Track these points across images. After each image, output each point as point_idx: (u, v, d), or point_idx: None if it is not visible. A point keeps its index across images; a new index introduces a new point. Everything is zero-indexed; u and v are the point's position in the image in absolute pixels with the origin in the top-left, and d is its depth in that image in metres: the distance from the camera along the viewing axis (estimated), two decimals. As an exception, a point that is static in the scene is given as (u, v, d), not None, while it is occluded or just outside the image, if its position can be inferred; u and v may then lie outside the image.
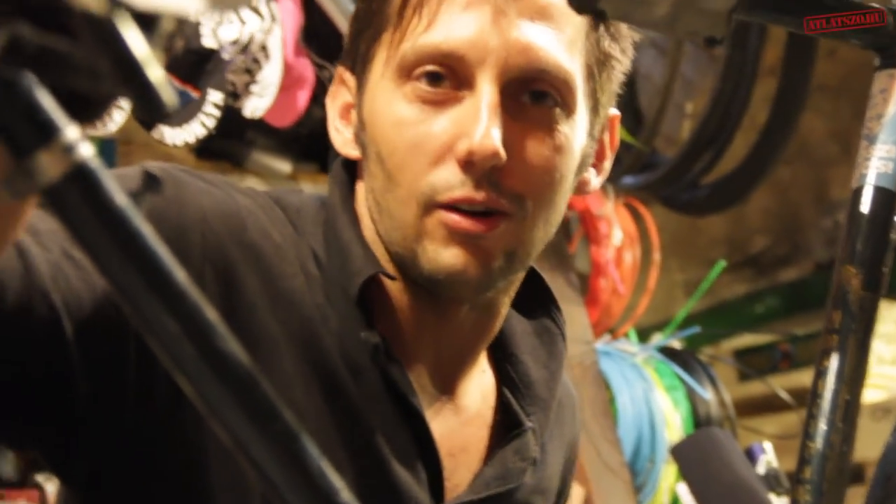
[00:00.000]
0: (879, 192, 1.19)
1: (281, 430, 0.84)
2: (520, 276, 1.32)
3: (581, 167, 1.28)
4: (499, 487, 1.31)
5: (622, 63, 1.31)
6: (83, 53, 0.66)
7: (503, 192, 1.19)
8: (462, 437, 1.33)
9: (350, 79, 1.31)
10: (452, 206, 1.19)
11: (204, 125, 2.59)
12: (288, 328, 1.20)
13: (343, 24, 2.66)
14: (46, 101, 0.74)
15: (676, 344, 3.76)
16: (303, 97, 2.81)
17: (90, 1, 0.61)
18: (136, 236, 0.78)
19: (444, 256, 1.20)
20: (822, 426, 1.13)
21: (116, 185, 0.77)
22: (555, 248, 3.37)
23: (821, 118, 4.88)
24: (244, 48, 2.62)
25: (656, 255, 3.59)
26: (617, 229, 3.50)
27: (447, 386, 1.32)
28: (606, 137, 1.35)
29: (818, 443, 1.12)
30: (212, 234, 1.18)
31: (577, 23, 1.23)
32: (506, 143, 1.18)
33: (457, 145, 1.18)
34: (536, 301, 1.42)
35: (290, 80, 2.73)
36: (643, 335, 3.87)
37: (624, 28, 1.29)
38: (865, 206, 1.19)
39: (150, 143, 2.74)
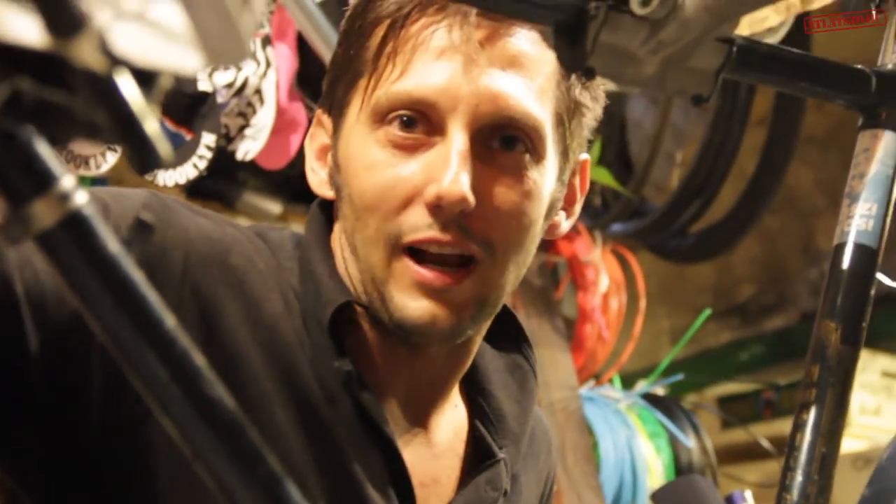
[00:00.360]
0: (859, 248, 1.22)
1: (265, 475, 0.86)
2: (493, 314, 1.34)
3: (550, 211, 1.31)
4: None
5: (593, 110, 1.34)
6: (82, 107, 0.68)
7: (472, 236, 1.22)
8: (433, 469, 1.35)
9: (327, 121, 1.34)
10: (419, 250, 1.22)
11: (196, 167, 2.61)
12: (268, 351, 1.23)
13: (337, 70, 2.69)
14: (44, 150, 0.76)
15: (660, 391, 3.77)
16: (295, 141, 2.82)
17: (91, 59, 0.62)
18: (127, 283, 0.80)
19: (412, 307, 1.23)
20: (799, 478, 1.15)
21: (109, 233, 0.79)
22: (542, 293, 3.39)
23: (809, 169, 4.92)
24: (238, 92, 2.64)
25: (642, 303, 3.61)
26: (604, 276, 3.51)
27: (419, 418, 1.34)
28: (577, 181, 1.38)
29: (794, 494, 1.14)
30: (196, 254, 1.21)
31: (548, 72, 1.26)
32: (475, 188, 1.21)
33: (426, 190, 1.21)
34: (509, 338, 1.45)
35: (282, 124, 2.75)
36: (628, 381, 3.88)
37: None
38: (846, 262, 1.22)
39: (142, 183, 2.76)
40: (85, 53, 0.63)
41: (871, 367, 4.49)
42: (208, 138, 2.61)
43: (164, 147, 0.70)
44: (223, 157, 2.74)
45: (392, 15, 1.26)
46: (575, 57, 1.05)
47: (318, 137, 1.36)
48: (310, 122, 2.82)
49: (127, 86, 0.66)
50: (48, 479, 1.17)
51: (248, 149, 2.70)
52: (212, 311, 1.20)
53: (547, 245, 3.50)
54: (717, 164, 3.91)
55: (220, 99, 2.62)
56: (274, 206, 3.74)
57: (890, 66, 1.26)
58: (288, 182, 3.58)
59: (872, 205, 1.22)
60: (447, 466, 1.36)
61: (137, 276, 0.81)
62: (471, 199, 1.20)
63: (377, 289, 1.25)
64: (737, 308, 5.42)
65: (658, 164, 3.98)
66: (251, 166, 2.89)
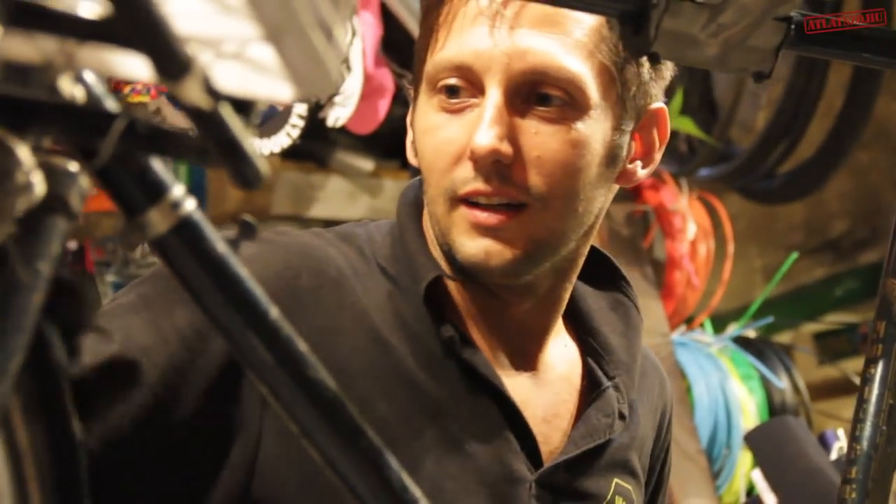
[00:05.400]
0: (922, 210, 1.26)
1: (366, 447, 0.95)
2: (575, 261, 1.43)
3: (613, 160, 1.38)
4: (587, 444, 1.41)
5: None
6: (191, 135, 0.77)
7: (513, 183, 1.31)
8: (553, 405, 1.44)
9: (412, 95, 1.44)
10: (471, 201, 1.32)
11: (289, 135, 2.70)
12: (357, 351, 1.31)
13: (420, 35, 2.75)
14: (156, 163, 0.85)
15: (751, 333, 3.80)
16: (383, 105, 2.90)
17: (196, 97, 0.71)
18: (235, 279, 0.89)
19: (469, 247, 1.33)
20: (868, 429, 1.20)
21: (216, 234, 0.88)
22: (630, 243, 3.45)
23: (899, 101, 4.87)
24: (327, 60, 2.72)
25: (730, 247, 3.63)
26: (691, 223, 3.53)
27: (527, 363, 1.44)
28: (655, 132, 1.44)
29: (864, 444, 1.20)
30: None
31: (587, 26, 1.33)
32: (513, 139, 1.30)
33: (468, 147, 1.31)
34: (607, 279, 1.54)
35: (370, 90, 2.82)
36: (722, 321, 3.91)
37: None
38: (910, 221, 1.27)
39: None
40: (191, 93, 0.71)
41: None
42: (300, 108, 2.70)
43: (263, 164, 0.78)
44: (314, 118, 2.83)
45: None
46: (640, 43, 1.11)
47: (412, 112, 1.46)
48: (396, 86, 2.92)
49: (229, 115, 0.75)
50: None
51: (338, 115, 2.78)
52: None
53: (634, 194, 3.55)
54: (802, 104, 3.88)
55: (310, 69, 2.70)
56: (366, 164, 3.82)
57: (950, 31, 1.30)
58: (379, 139, 3.64)
59: (934, 165, 1.27)
60: (566, 401, 1.45)
61: (243, 273, 0.90)
62: (502, 149, 1.29)
63: (445, 238, 1.35)
64: (830, 244, 5.39)
65: (745, 106, 3.98)
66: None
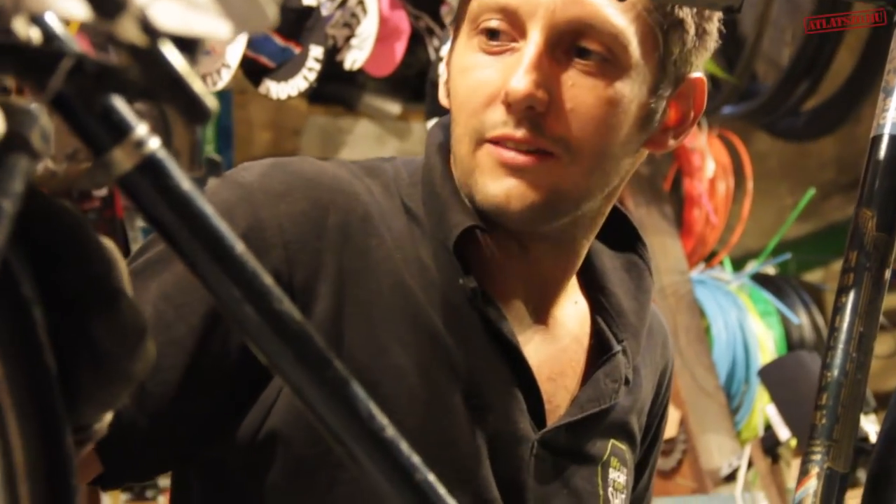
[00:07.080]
0: (895, 140, 1.27)
1: (332, 377, 0.97)
2: (596, 219, 1.42)
3: (645, 123, 1.36)
4: (593, 408, 1.41)
5: (700, 27, 1.36)
6: (135, 73, 0.79)
7: (544, 133, 1.29)
8: (560, 363, 1.44)
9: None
10: (498, 143, 1.31)
11: (306, 79, 2.73)
12: (380, 294, 1.32)
13: (435, -23, 2.78)
14: (119, 104, 0.87)
15: (770, 270, 3.80)
16: (399, 48, 2.92)
17: (133, 35, 0.73)
18: (200, 216, 0.92)
19: (490, 188, 1.31)
20: (839, 356, 1.22)
21: (181, 173, 0.91)
22: (649, 182, 3.46)
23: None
24: (342, 4, 2.75)
25: (749, 185, 3.62)
26: (710, 161, 3.53)
27: (540, 319, 1.43)
28: (691, 101, 1.41)
29: (834, 371, 1.21)
30: (293, 242, 1.30)
31: None
32: (550, 89, 1.28)
33: (503, 90, 1.30)
34: (623, 238, 1.52)
35: (386, 32, 2.85)
36: (751, 258, 3.90)
37: None
38: (882, 153, 1.28)
39: (261, 96, 2.89)
40: (127, 31, 0.74)
41: None
42: (316, 51, 2.73)
43: (211, 101, 0.81)
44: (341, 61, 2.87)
45: None
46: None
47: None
48: (412, 28, 2.94)
49: (170, 53, 0.77)
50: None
51: (354, 58, 2.81)
52: (319, 280, 1.31)
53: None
54: (826, 39, 3.84)
55: (324, 12, 2.74)
56: (393, 107, 3.84)
57: (922, -38, 1.30)
58: (406, 82, 3.67)
59: (907, 97, 1.27)
60: (572, 360, 1.45)
61: (209, 209, 0.92)
62: (538, 95, 1.27)
63: (467, 179, 1.34)
64: (862, 180, 5.33)
65: (771, 41, 3.95)
66: (370, 68, 2.99)
